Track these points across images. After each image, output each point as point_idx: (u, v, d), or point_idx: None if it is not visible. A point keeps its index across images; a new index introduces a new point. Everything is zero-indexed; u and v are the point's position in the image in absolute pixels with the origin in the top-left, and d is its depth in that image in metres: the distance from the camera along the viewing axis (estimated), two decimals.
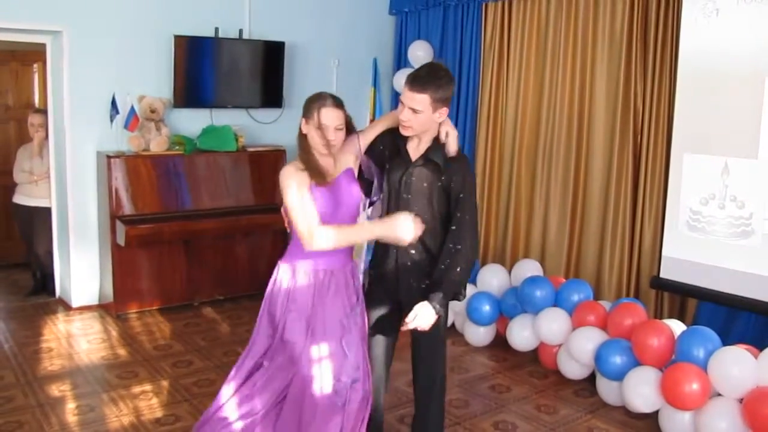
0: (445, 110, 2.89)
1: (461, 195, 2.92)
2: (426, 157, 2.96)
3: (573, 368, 4.46)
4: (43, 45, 5.61)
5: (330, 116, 2.82)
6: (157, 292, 5.65)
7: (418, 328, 2.85)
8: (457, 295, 2.98)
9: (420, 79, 2.81)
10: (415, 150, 3.00)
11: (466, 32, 6.13)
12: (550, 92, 5.53)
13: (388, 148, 3.06)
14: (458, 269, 2.88)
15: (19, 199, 5.94)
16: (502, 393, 4.39)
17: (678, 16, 4.63)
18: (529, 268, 5.10)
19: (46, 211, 5.84)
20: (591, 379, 4.43)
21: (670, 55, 4.78)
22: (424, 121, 2.86)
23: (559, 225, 5.47)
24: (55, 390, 4.22)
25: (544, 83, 5.57)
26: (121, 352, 4.84)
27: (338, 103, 2.86)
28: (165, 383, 4.33)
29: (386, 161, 3.07)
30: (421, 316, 2.83)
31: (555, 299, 4.70)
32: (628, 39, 5.00)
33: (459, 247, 2.88)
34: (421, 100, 2.81)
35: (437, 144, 2.96)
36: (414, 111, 2.83)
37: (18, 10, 5.08)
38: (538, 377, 4.65)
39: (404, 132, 2.93)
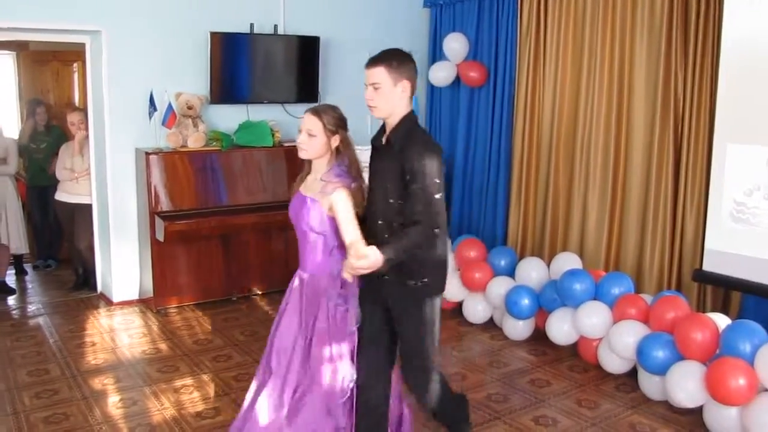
0: (407, 84, 2.90)
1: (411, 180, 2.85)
2: (388, 141, 2.97)
3: (614, 362, 4.40)
4: (83, 45, 5.69)
5: (304, 120, 3.04)
6: (196, 287, 5.72)
7: (358, 270, 2.75)
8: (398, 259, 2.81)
9: (375, 56, 2.91)
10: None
11: (502, 23, 6.07)
12: (588, 83, 5.44)
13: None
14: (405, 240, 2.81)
15: (61, 196, 6.05)
16: (542, 387, 4.35)
17: (720, 2, 4.52)
18: (569, 261, 5.04)
19: (87, 208, 5.94)
20: (632, 373, 4.37)
21: (712, 43, 4.67)
22: (387, 97, 2.89)
23: (599, 217, 5.39)
24: (99, 383, 4.29)
25: (582, 74, 5.48)
26: (162, 346, 4.91)
27: (317, 111, 3.02)
28: (205, 377, 4.38)
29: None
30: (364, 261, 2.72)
31: (595, 292, 4.64)
32: (668, 26, 4.89)
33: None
34: (377, 72, 2.87)
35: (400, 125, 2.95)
36: (374, 87, 2.88)
37: (59, 11, 5.16)
38: (579, 371, 4.59)
39: (372, 113, 2.96)
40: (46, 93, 7.23)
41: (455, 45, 6.28)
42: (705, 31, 4.71)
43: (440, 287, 3.05)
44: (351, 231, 2.90)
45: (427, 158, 2.82)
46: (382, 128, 3.02)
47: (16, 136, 6.53)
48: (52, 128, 6.52)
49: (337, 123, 3.04)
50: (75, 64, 7.27)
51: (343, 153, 3.05)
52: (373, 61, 2.90)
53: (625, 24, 5.16)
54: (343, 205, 2.94)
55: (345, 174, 3.02)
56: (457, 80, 6.43)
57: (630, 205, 5.23)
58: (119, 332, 5.19)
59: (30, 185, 6.58)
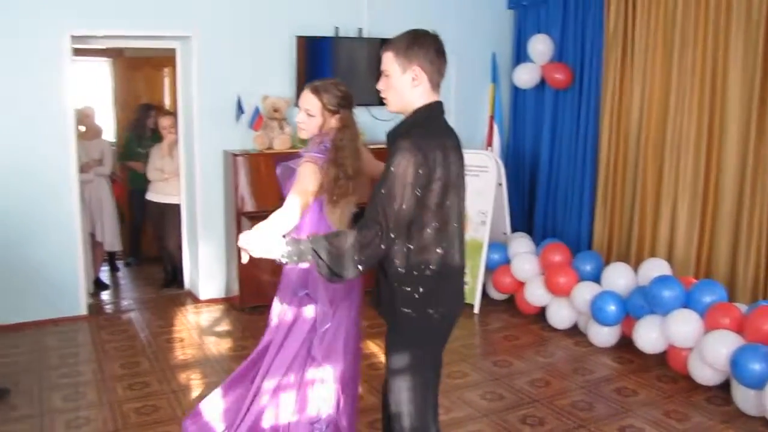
0: (418, 70, 2.36)
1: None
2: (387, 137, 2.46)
3: (705, 374, 4.22)
4: (174, 50, 5.89)
5: (302, 97, 2.87)
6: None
7: (248, 252, 2.32)
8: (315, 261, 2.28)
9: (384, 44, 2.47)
10: None
11: (588, 24, 5.94)
12: (678, 82, 5.25)
13: None
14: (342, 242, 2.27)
15: (151, 196, 6.27)
16: (628, 396, 4.22)
17: None
18: (657, 267, 4.88)
19: (176, 208, 6.14)
20: (725, 386, 4.18)
21: None
22: (395, 86, 2.39)
23: (689, 221, 5.20)
24: (186, 378, 4.43)
25: (672, 72, 5.28)
26: (247, 344, 5.01)
27: (316, 90, 2.82)
28: None
29: None
30: (257, 239, 2.29)
31: (685, 300, 4.47)
32: (767, 19, 4.67)
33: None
34: (386, 59, 2.40)
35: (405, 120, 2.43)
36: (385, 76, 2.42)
37: (151, 18, 5.38)
38: (667, 381, 4.44)
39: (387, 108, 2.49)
40: (138, 98, 7.49)
41: (540, 47, 6.19)
42: None
43: (427, 324, 2.42)
44: (287, 205, 2.63)
45: (405, 157, 2.24)
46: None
47: (112, 139, 6.79)
48: (155, 133, 6.70)
49: (339, 102, 2.79)
50: (165, 69, 7.52)
51: (337, 133, 2.77)
52: (384, 46, 2.42)
53: (719, 19, 4.94)
54: (301, 177, 2.70)
55: (322, 152, 2.78)
56: (542, 82, 6.34)
57: (722, 209, 5.01)
58: (206, 329, 5.34)
59: (132, 188, 6.81)
